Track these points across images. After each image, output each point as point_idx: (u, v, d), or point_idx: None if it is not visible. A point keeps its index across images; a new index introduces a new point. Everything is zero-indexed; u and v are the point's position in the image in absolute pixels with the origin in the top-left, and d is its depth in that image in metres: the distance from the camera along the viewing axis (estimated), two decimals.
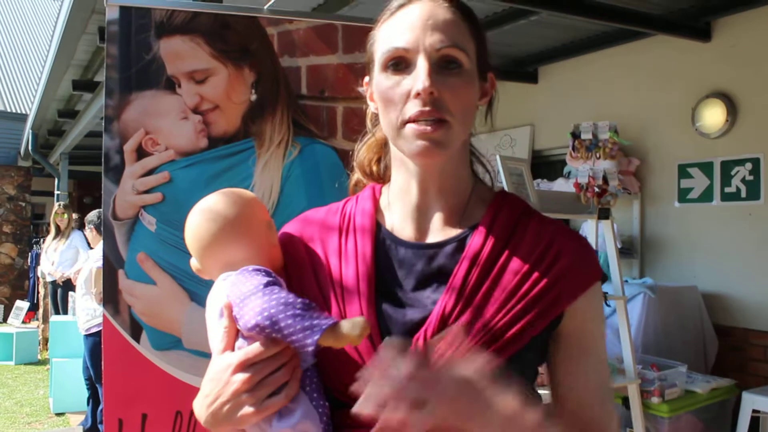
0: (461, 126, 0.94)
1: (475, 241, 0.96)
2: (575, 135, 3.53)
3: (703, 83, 4.44)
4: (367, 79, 1.04)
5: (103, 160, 2.01)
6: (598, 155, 3.48)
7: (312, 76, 2.19)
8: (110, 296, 2.00)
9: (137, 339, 2.00)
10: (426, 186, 1.00)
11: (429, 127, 0.90)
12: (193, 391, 2.03)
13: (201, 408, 0.95)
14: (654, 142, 4.75)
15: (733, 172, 4.29)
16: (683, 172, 4.57)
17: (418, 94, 0.90)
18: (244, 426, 0.91)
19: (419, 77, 0.90)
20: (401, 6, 0.97)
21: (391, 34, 0.95)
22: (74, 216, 7.54)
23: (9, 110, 12.49)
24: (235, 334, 0.94)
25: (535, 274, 0.93)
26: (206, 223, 1.03)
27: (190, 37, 2.07)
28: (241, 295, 0.93)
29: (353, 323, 0.86)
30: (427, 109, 0.89)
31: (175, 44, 2.06)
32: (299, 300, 0.90)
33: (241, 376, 0.90)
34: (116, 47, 2.05)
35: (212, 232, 1.02)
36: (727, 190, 4.32)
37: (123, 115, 2.03)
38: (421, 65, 0.90)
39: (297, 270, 1.04)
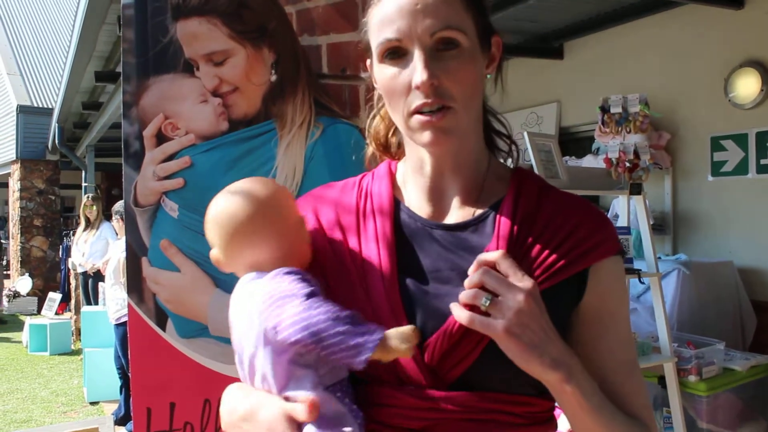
0: (467, 108, 0.92)
1: (503, 221, 0.93)
2: (604, 109, 3.43)
3: (736, 52, 4.30)
4: (369, 62, 1.01)
5: (122, 146, 1.98)
6: (628, 129, 3.38)
7: (332, 54, 2.14)
8: (134, 285, 1.97)
9: (163, 327, 1.97)
10: (440, 166, 0.99)
11: (434, 117, 0.89)
12: (221, 378, 2.01)
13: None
14: (685, 114, 4.62)
15: None
16: (716, 144, 4.44)
17: (418, 87, 0.88)
18: None
19: (417, 70, 0.88)
20: None
21: (382, 22, 0.91)
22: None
23: (36, 105, 12.62)
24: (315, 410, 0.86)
25: (558, 240, 0.92)
26: (237, 207, 0.95)
27: (207, 18, 2.02)
28: (280, 303, 0.87)
29: (402, 335, 0.83)
30: (429, 100, 0.88)
31: (192, 26, 2.01)
32: (345, 313, 0.85)
33: None
34: (132, 31, 2.01)
35: (244, 215, 0.94)
36: (763, 162, 4.20)
37: (141, 100, 1.99)
38: (417, 57, 0.88)
39: (314, 251, 1.00)
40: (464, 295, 0.85)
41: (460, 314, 0.84)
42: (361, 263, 0.95)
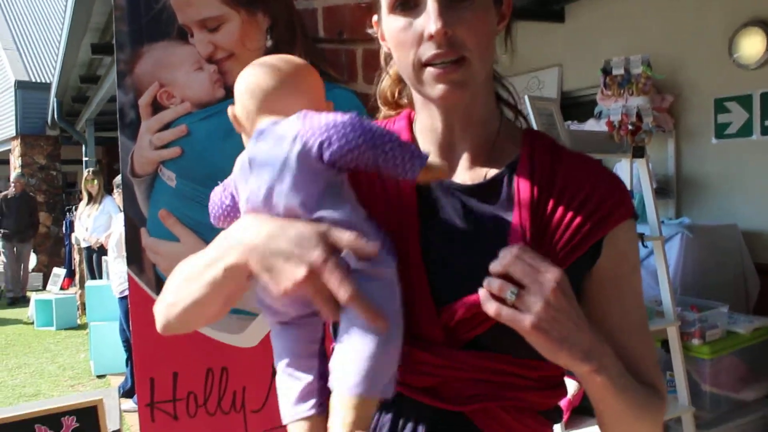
0: (481, 60, 0.88)
1: (522, 187, 0.91)
2: (606, 71, 3.38)
3: (741, 11, 4.22)
4: (375, 18, 0.97)
5: (118, 116, 1.96)
6: (630, 91, 3.33)
7: (329, 17, 2.10)
8: (134, 255, 1.97)
9: None
10: (451, 123, 0.96)
11: (448, 69, 0.85)
12: (223, 347, 2.01)
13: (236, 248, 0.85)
14: (688, 76, 4.56)
15: None
16: (720, 106, 4.39)
17: (431, 36, 0.84)
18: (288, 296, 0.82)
19: (430, 18, 0.84)
20: None
21: None
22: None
23: (34, 80, 12.54)
24: None
25: (575, 207, 0.90)
26: (267, 72, 0.92)
27: None
28: (329, 121, 0.83)
29: (433, 158, 0.87)
30: (442, 50, 0.85)
31: None
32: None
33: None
34: None
35: (276, 78, 0.91)
36: (767, 123, 4.15)
37: (135, 68, 1.97)
38: (430, 4, 0.84)
39: None
40: (490, 284, 0.81)
41: (487, 305, 0.80)
42: (385, 211, 0.92)
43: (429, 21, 0.84)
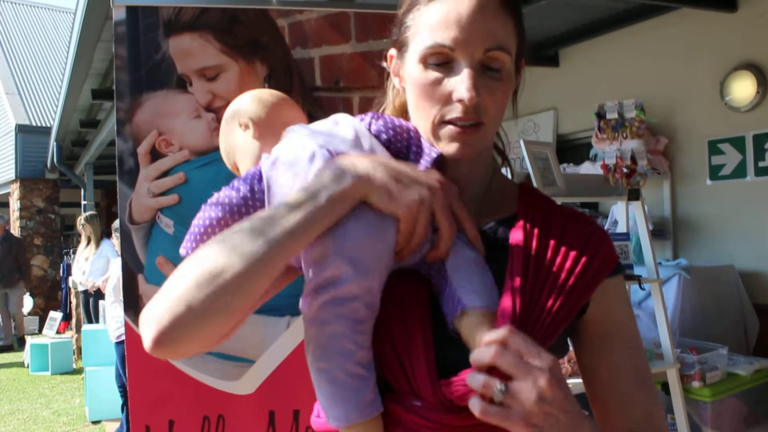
0: (494, 125, 0.91)
1: (515, 236, 0.91)
2: (600, 115, 3.43)
3: (731, 55, 4.30)
4: (392, 52, 0.98)
5: (117, 163, 1.98)
6: (624, 135, 3.37)
7: (326, 66, 2.14)
8: (131, 302, 1.96)
9: None
10: (450, 174, 0.94)
11: (467, 131, 0.88)
12: (220, 395, 2.00)
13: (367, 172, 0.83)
14: (682, 119, 4.62)
15: (766, 146, 4.15)
16: (714, 148, 4.44)
17: (461, 101, 0.86)
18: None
19: (464, 85, 0.85)
20: None
21: (434, 25, 0.87)
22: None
23: (34, 124, 12.64)
24: None
25: (568, 266, 0.90)
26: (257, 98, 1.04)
27: (199, 33, 2.02)
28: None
29: None
30: (468, 116, 0.87)
31: (184, 42, 2.02)
32: None
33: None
34: (125, 48, 2.01)
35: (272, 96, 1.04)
36: (761, 164, 4.18)
37: (135, 117, 1.99)
38: (466, 72, 0.85)
39: None
40: (473, 381, 0.74)
41: (472, 404, 0.74)
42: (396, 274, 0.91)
43: (462, 88, 0.85)
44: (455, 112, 0.87)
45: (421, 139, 0.92)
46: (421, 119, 0.92)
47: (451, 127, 0.88)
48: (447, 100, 0.87)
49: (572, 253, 0.91)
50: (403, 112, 1.04)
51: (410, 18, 0.92)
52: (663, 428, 0.94)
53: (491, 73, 0.87)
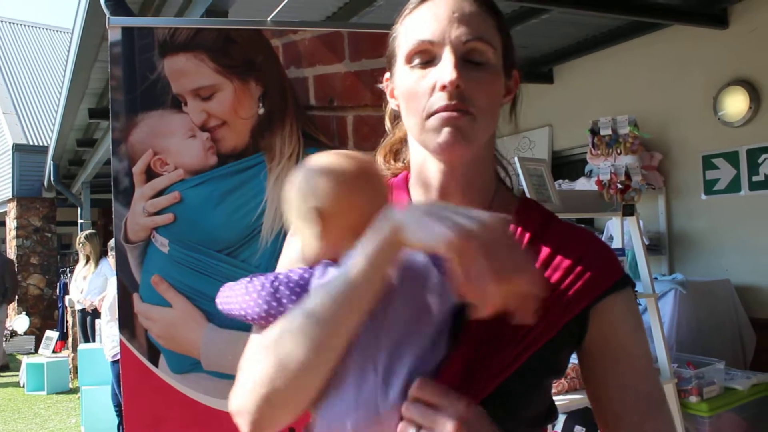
0: (486, 120, 0.91)
1: None
2: (594, 132, 3.45)
3: (723, 71, 4.34)
4: (387, 75, 1.01)
5: (112, 183, 1.99)
6: (618, 151, 3.40)
7: (320, 86, 2.15)
8: (126, 320, 1.97)
9: (155, 363, 1.96)
10: (448, 183, 0.95)
11: (455, 115, 0.87)
12: (215, 414, 1.99)
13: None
14: (676, 135, 4.65)
15: (760, 160, 4.17)
16: (708, 163, 4.46)
17: (444, 87, 0.87)
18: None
19: (446, 69, 0.87)
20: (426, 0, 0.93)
21: (416, 26, 0.92)
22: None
23: (31, 143, 12.66)
24: None
25: (561, 275, 0.90)
26: (343, 162, 0.88)
27: (194, 54, 2.04)
28: None
29: None
30: (453, 102, 0.87)
31: (179, 62, 2.03)
32: None
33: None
34: (120, 69, 2.03)
35: (353, 169, 0.87)
36: (755, 178, 4.21)
37: (130, 137, 2.01)
38: (447, 57, 0.87)
39: None
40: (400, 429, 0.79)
41: None
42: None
43: (444, 71, 0.87)
44: (441, 100, 0.88)
45: None
46: (412, 119, 0.93)
47: (439, 114, 0.88)
48: (432, 90, 0.89)
49: (562, 267, 0.91)
50: (402, 140, 1.06)
51: (397, 29, 0.97)
52: None
53: (475, 66, 0.89)
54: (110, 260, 5.80)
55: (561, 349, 0.91)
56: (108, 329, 4.97)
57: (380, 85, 1.03)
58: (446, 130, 0.88)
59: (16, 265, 11.59)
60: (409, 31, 0.92)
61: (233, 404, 0.85)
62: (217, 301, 0.89)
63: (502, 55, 0.93)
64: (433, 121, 0.89)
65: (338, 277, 0.80)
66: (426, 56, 0.90)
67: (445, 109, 0.87)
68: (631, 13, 4.06)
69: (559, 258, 0.91)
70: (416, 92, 0.90)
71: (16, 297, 11.54)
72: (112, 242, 5.60)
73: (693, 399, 3.28)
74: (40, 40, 17.55)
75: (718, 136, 4.39)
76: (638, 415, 0.90)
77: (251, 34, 2.11)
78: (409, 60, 0.92)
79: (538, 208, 1.00)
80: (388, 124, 1.09)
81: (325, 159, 0.89)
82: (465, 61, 0.88)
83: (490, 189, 0.99)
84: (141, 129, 2.01)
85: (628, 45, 4.91)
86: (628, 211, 3.29)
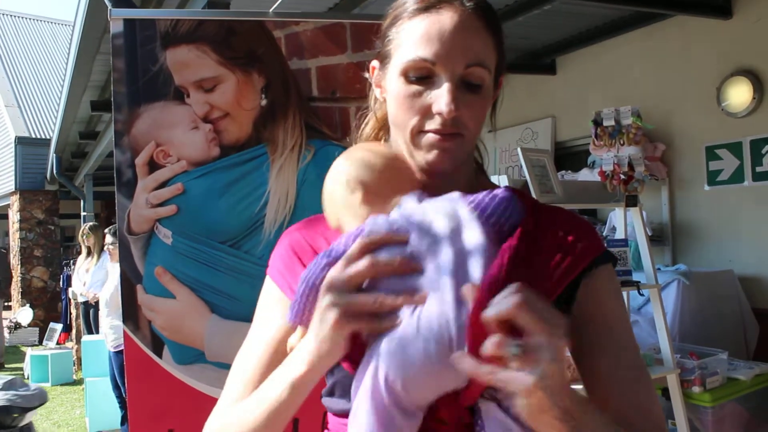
0: (473, 138, 0.94)
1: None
2: (597, 122, 3.44)
3: (727, 62, 4.32)
4: (375, 64, 1.00)
5: (115, 175, 1.99)
6: (621, 142, 3.39)
7: (322, 77, 2.15)
8: (130, 312, 1.97)
9: (159, 354, 1.96)
10: (431, 182, 0.95)
11: (446, 138, 0.89)
12: None
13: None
14: (679, 125, 4.63)
15: (763, 151, 4.16)
16: (711, 154, 4.45)
17: (440, 114, 0.88)
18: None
19: (443, 99, 0.87)
20: (428, 9, 0.90)
21: (417, 40, 0.89)
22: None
23: (33, 136, 12.67)
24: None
25: (550, 250, 0.92)
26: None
27: (196, 45, 2.04)
28: None
29: None
30: (446, 128, 0.89)
31: (182, 54, 2.03)
32: None
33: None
34: (122, 61, 2.03)
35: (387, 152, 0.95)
36: (758, 169, 4.20)
37: (133, 128, 2.01)
38: (447, 86, 0.87)
39: None
40: (487, 343, 0.67)
41: (480, 372, 0.68)
42: None
43: (442, 102, 0.87)
44: (434, 123, 0.89)
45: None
46: (400, 129, 0.94)
47: (430, 135, 0.90)
48: (426, 111, 0.89)
49: (555, 244, 0.93)
50: (385, 123, 1.06)
51: (393, 31, 0.94)
52: (661, 424, 0.93)
53: (471, 88, 0.89)
54: (109, 252, 5.80)
55: None
56: (109, 320, 4.98)
57: (366, 74, 1.03)
58: (436, 152, 0.90)
59: (19, 257, 11.63)
60: (408, 43, 0.90)
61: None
62: None
63: (494, 72, 0.93)
64: (424, 140, 0.91)
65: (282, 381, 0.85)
66: (424, 72, 0.89)
67: (437, 132, 0.89)
68: (634, 4, 4.05)
69: (550, 236, 0.93)
70: (410, 107, 0.91)
71: (19, 290, 11.59)
72: (109, 235, 5.61)
73: (696, 389, 3.29)
74: (41, 33, 17.54)
75: (722, 126, 4.37)
76: (624, 388, 0.91)
77: (253, 25, 2.10)
78: (405, 74, 0.91)
79: (522, 194, 1.00)
80: (371, 104, 1.07)
81: (358, 148, 0.96)
82: (462, 84, 0.89)
83: (472, 181, 1.01)
84: (143, 121, 2.01)
85: (631, 36, 4.88)
86: (631, 202, 3.28)
